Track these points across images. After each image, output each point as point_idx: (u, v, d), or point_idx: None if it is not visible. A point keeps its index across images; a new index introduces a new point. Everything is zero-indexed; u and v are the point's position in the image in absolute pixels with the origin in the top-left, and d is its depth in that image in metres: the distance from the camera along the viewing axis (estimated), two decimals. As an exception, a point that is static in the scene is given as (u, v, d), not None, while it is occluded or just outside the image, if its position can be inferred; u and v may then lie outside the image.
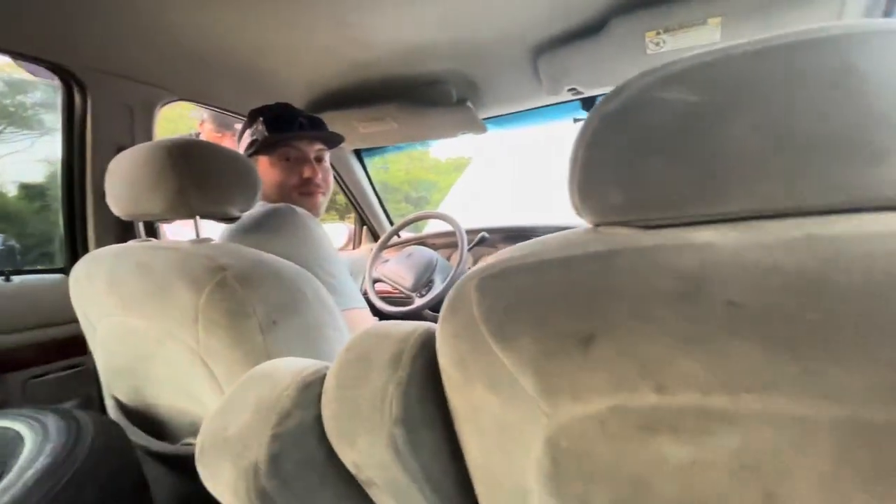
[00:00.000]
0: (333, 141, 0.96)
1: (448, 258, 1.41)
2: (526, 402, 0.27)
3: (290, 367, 0.37)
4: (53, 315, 0.89)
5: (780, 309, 0.22)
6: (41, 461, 0.44)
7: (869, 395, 0.20)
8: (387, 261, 1.37)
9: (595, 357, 0.25)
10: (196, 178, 0.61)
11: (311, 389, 0.35)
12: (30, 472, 0.42)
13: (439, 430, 0.32)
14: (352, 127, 1.27)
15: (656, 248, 0.26)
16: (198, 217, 0.64)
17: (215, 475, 0.34)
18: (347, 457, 0.33)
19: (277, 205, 0.78)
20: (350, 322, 0.68)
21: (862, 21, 0.24)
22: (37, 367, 0.90)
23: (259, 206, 0.79)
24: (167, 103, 1.05)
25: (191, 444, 0.61)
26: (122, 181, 0.64)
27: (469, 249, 1.29)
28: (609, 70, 0.96)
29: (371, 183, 1.70)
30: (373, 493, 0.34)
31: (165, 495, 0.64)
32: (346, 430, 0.32)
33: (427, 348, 0.33)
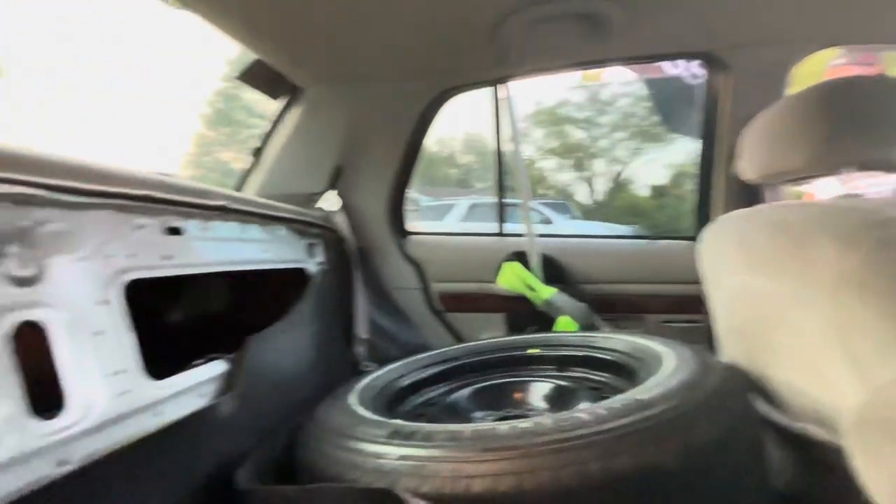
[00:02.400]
0: None
1: None
2: None
3: None
4: (680, 275, 1.06)
5: None
6: (677, 378, 0.52)
7: None
8: None
9: None
10: (852, 121, 0.51)
11: None
12: (670, 383, 0.51)
13: None
14: None
15: None
16: (843, 169, 0.54)
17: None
18: None
19: None
20: None
21: None
22: (664, 314, 1.12)
23: None
24: (803, 58, 0.95)
25: (809, 429, 0.53)
26: (757, 143, 0.64)
27: None
28: None
29: None
30: None
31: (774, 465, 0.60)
32: None
33: None
